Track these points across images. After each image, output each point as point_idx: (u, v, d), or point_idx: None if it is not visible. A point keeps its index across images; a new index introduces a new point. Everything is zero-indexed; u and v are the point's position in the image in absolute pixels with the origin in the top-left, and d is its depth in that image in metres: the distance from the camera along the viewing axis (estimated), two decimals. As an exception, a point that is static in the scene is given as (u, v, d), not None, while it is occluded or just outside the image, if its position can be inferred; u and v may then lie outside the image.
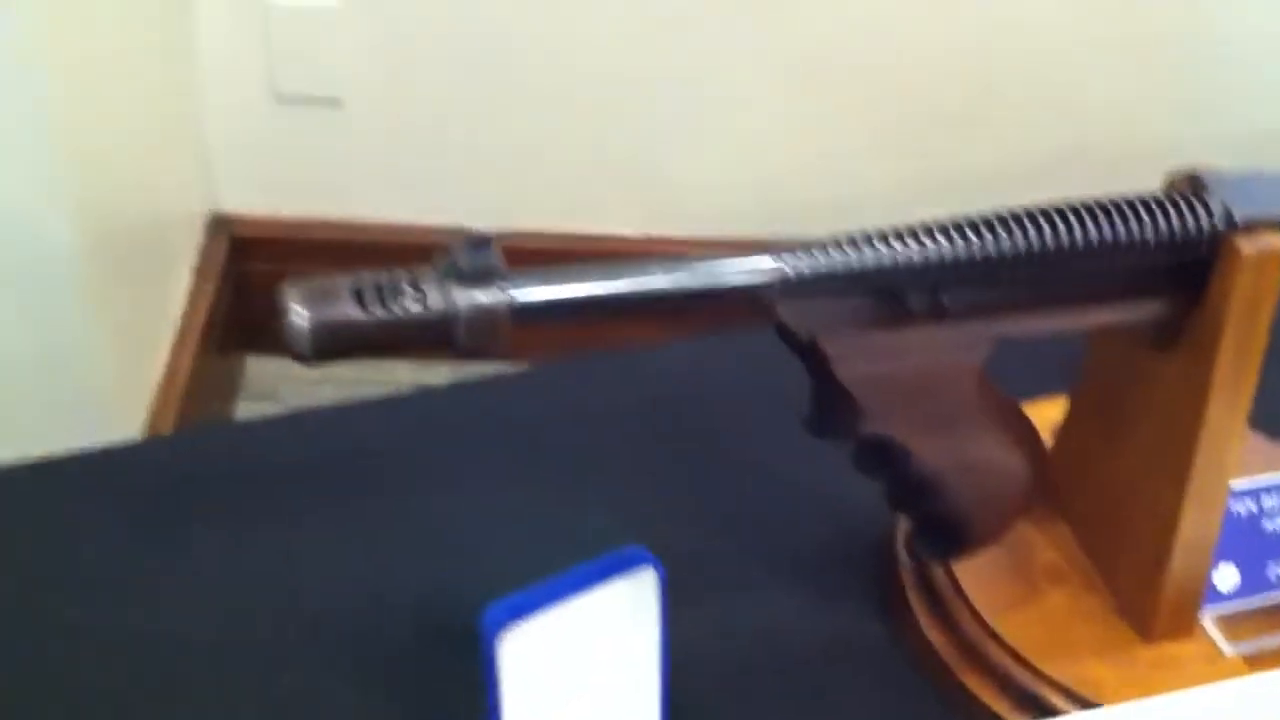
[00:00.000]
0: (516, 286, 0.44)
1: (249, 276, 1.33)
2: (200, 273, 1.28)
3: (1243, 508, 0.56)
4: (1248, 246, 0.48)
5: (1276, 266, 0.49)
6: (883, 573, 0.60)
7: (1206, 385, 0.51)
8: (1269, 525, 0.57)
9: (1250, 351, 0.50)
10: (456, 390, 0.74)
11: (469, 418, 0.69)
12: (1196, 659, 0.56)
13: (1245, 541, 0.56)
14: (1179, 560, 0.54)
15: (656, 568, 0.51)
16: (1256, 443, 0.60)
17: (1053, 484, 0.59)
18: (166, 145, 1.22)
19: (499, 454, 0.66)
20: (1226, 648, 0.56)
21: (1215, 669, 0.55)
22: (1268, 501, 0.57)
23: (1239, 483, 0.56)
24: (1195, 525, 0.53)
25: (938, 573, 0.58)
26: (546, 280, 0.45)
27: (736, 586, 0.61)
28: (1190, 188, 0.50)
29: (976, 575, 0.57)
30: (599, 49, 1.23)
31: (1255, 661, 0.55)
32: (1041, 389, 0.59)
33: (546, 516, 0.62)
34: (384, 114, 1.27)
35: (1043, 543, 0.59)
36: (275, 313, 0.42)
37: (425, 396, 0.73)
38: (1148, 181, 0.51)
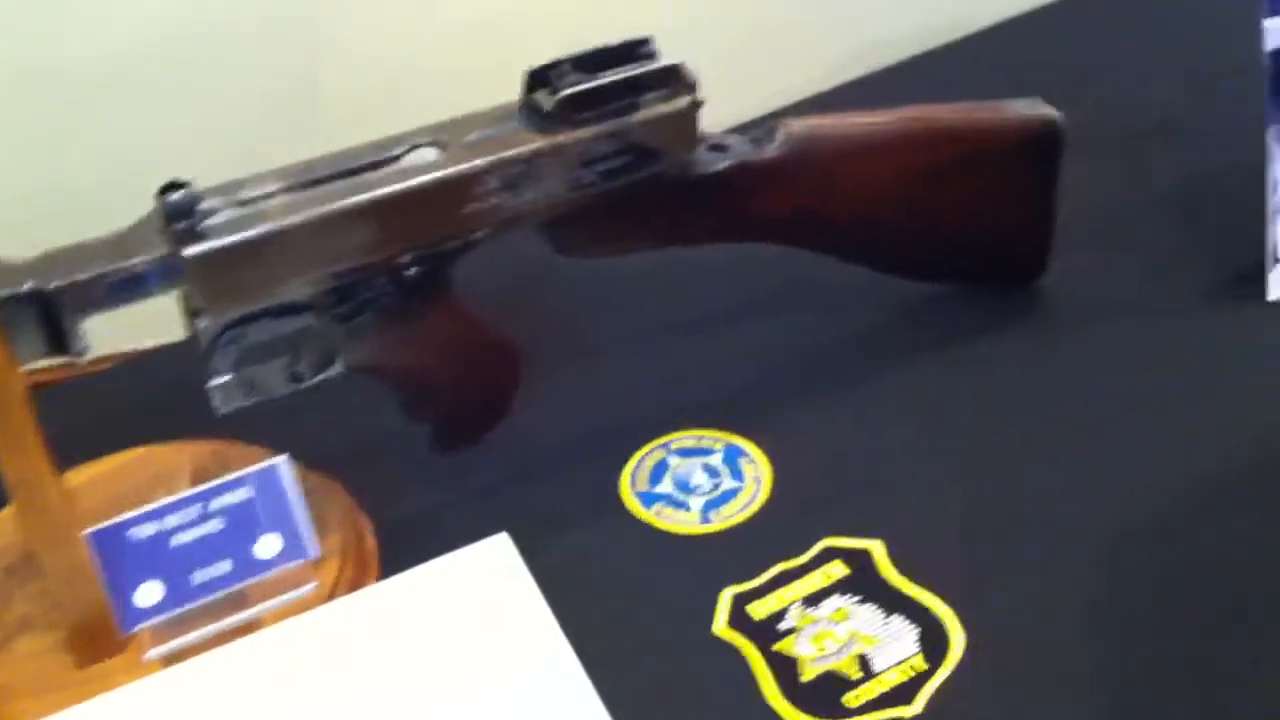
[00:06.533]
0: None
1: None
2: None
3: (145, 531, 0.65)
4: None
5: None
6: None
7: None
8: (179, 540, 0.66)
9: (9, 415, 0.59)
10: None
11: None
12: (119, 671, 0.64)
13: (160, 560, 0.65)
14: (75, 593, 0.63)
15: None
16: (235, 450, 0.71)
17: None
18: None
19: None
20: (147, 655, 0.65)
21: (134, 675, 0.64)
22: (172, 520, 0.66)
23: (145, 509, 0.65)
24: (59, 562, 0.62)
25: None
26: None
27: None
28: None
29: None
30: None
31: (174, 659, 0.64)
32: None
33: None
34: None
35: (21, 597, 0.68)
36: None
37: None
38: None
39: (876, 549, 0.69)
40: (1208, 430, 0.74)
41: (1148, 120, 0.98)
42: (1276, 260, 0.79)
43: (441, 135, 0.66)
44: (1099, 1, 1.13)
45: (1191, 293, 0.83)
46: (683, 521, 0.72)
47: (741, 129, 0.74)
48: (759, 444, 0.76)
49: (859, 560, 0.69)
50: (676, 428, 0.77)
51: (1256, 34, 0.77)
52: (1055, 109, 0.78)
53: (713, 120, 0.71)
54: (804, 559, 0.69)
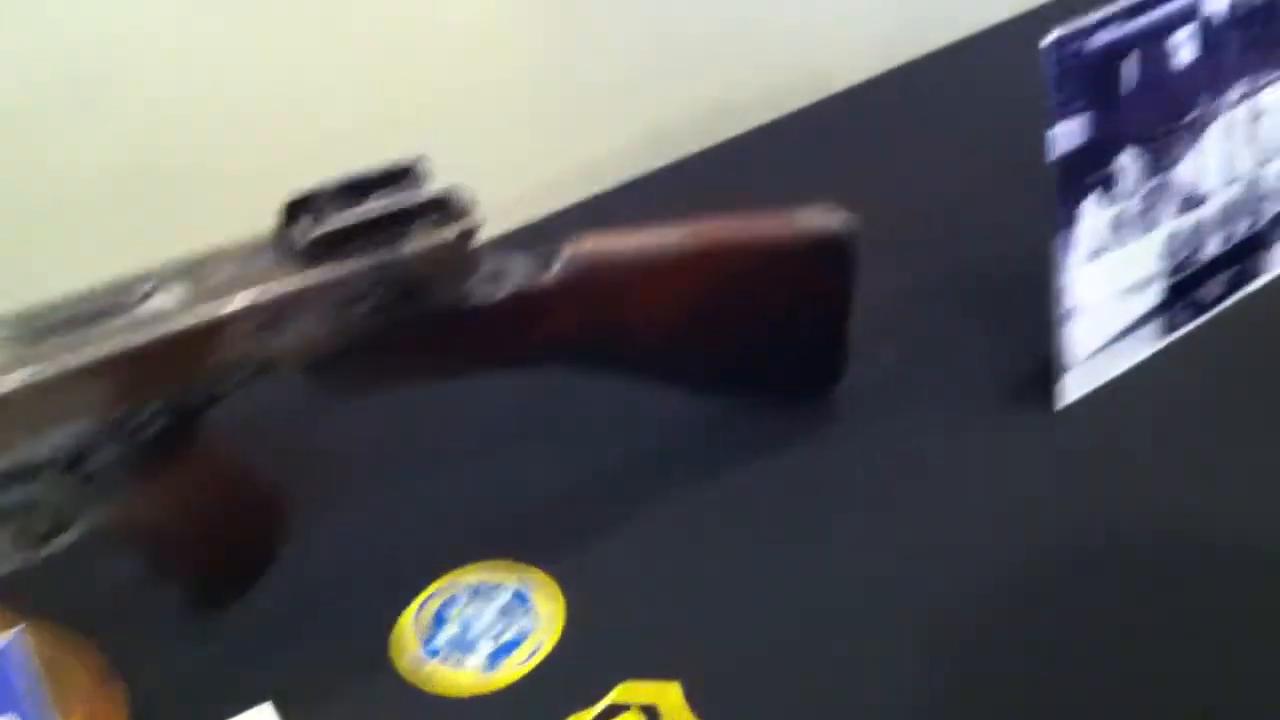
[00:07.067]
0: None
1: None
2: None
3: None
4: None
5: None
6: None
7: None
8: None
9: None
10: None
11: None
12: None
13: None
14: None
15: None
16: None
17: None
18: None
19: None
20: None
21: None
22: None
23: None
24: None
25: None
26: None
27: None
28: None
29: None
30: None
31: None
32: None
33: None
34: None
35: None
36: None
37: None
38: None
39: (672, 693, 0.66)
40: (1011, 543, 0.72)
41: (946, 215, 0.97)
42: (1063, 369, 0.78)
43: (188, 274, 0.60)
44: (903, 89, 1.13)
45: (984, 399, 0.81)
46: (467, 675, 0.68)
47: (527, 239, 0.70)
48: (554, 577, 0.72)
49: (653, 710, 0.65)
50: (459, 566, 0.72)
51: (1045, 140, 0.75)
52: (849, 215, 0.75)
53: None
54: (594, 712, 0.65)
